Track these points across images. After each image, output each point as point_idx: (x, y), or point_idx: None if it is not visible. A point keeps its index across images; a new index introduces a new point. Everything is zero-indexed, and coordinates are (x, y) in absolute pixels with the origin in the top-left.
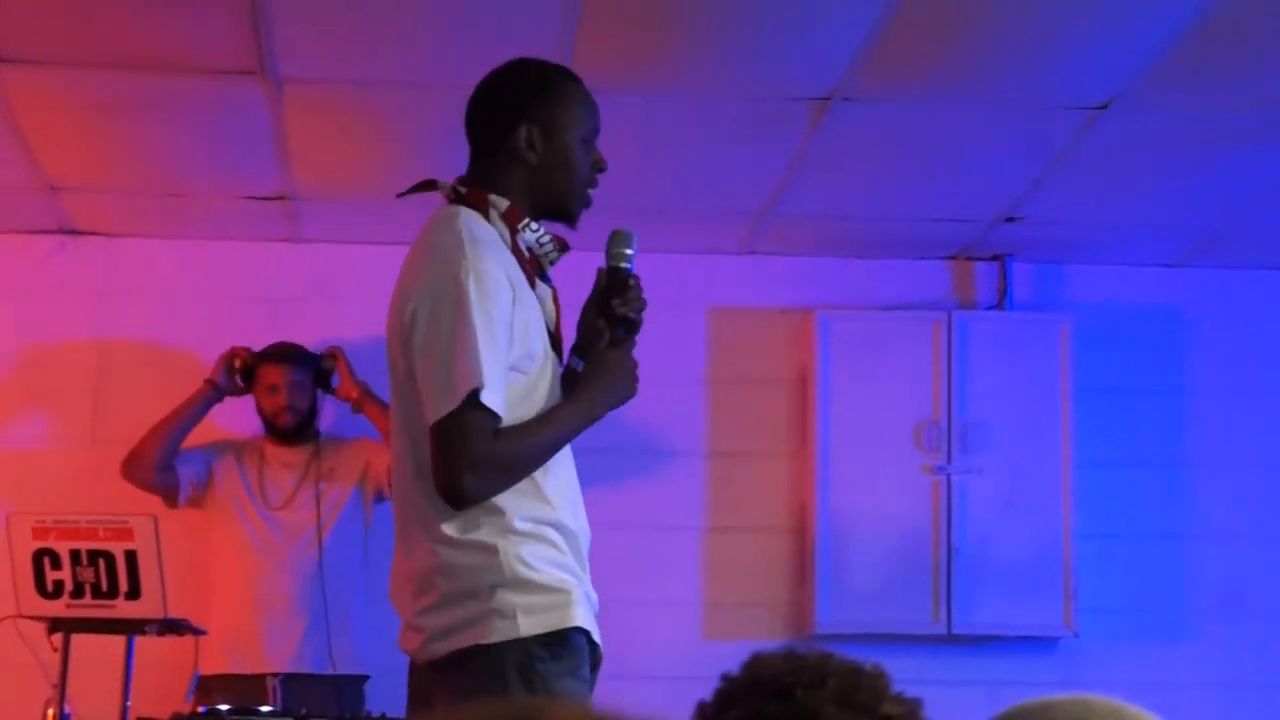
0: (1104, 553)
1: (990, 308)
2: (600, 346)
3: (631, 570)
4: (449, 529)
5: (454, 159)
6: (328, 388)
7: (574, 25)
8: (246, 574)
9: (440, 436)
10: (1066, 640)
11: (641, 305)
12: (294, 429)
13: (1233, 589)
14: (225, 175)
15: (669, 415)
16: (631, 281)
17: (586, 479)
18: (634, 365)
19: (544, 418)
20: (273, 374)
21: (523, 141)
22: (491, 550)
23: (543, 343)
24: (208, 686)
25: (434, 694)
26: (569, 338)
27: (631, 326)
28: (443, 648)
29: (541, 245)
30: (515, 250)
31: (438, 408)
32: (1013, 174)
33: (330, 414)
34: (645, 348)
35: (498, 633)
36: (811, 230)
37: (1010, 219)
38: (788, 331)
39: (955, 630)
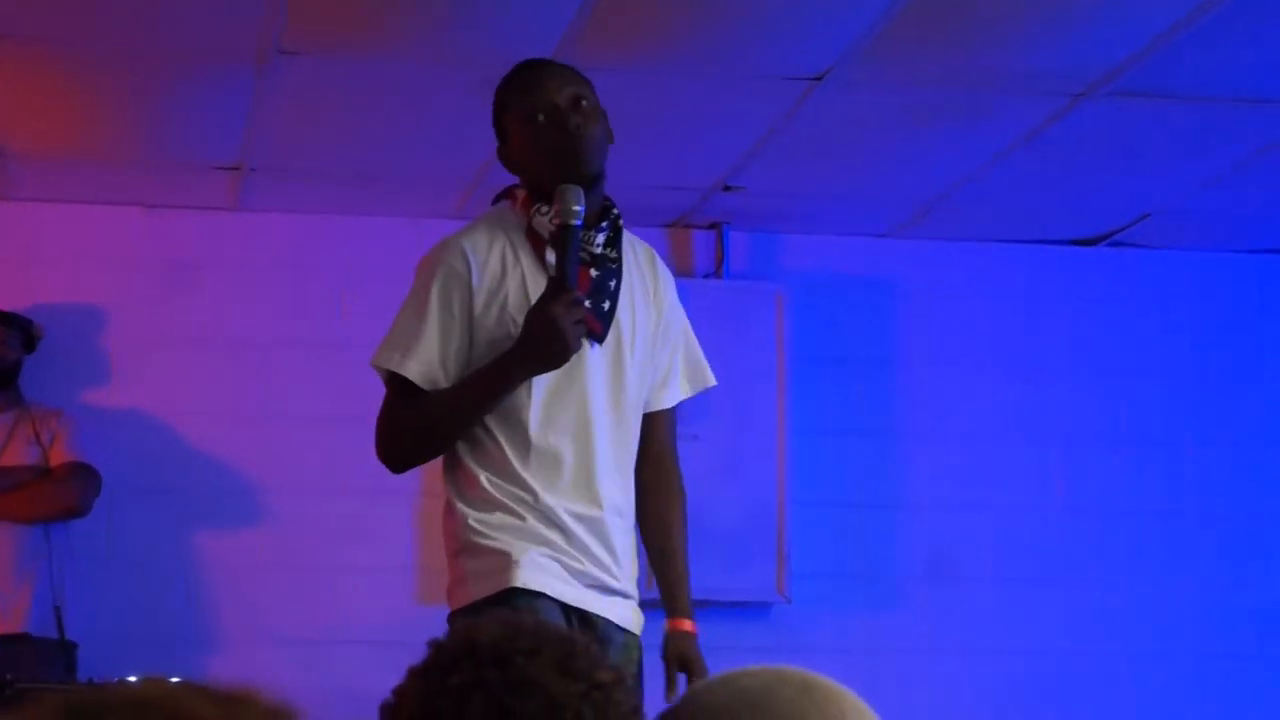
0: (816, 520)
1: (707, 275)
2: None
3: (346, 535)
4: (448, 489)
5: (156, 119)
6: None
7: None
8: None
9: None
10: (779, 606)
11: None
12: None
13: (939, 557)
14: None
15: (379, 382)
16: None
17: (301, 447)
18: (553, 323)
19: (454, 385)
20: None
21: (501, 144)
22: (456, 514)
23: (506, 313)
24: None
25: None
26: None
27: (558, 283)
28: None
29: (552, 223)
30: (530, 234)
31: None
32: (730, 143)
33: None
34: (365, 313)
35: (458, 598)
36: None
37: (727, 188)
38: None
39: None
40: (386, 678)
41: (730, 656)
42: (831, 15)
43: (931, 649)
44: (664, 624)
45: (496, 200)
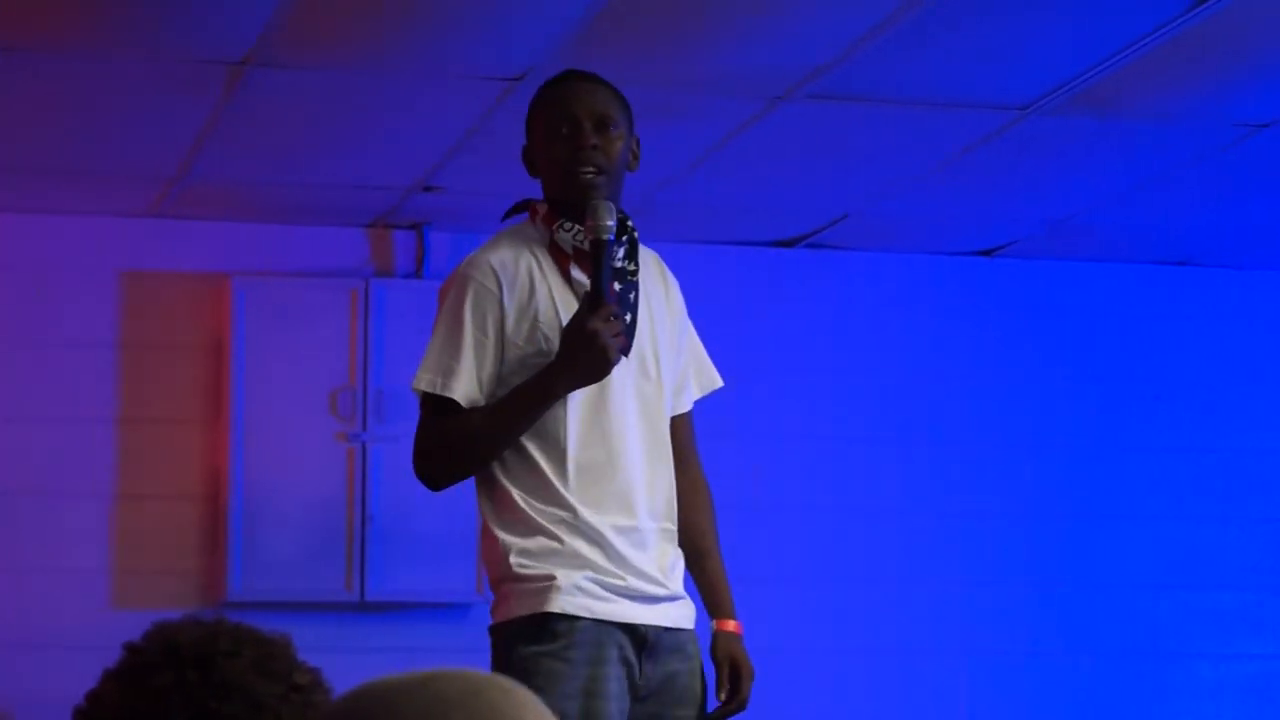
0: None
1: (408, 276)
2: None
3: (37, 538)
4: (485, 512)
5: None
6: None
7: None
8: None
9: None
10: (478, 606)
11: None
12: None
13: None
14: None
15: (78, 380)
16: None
17: None
18: (595, 337)
19: (495, 403)
20: None
21: (527, 143)
22: (496, 542)
23: (538, 330)
24: None
25: None
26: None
27: (595, 298)
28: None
29: (577, 239)
30: (554, 249)
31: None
32: (430, 143)
33: None
34: (61, 311)
35: (497, 614)
36: (227, 195)
37: (428, 188)
38: (202, 297)
39: (368, 597)
40: (79, 683)
41: (430, 658)
42: (531, 16)
43: None
44: (710, 625)
45: (510, 213)
